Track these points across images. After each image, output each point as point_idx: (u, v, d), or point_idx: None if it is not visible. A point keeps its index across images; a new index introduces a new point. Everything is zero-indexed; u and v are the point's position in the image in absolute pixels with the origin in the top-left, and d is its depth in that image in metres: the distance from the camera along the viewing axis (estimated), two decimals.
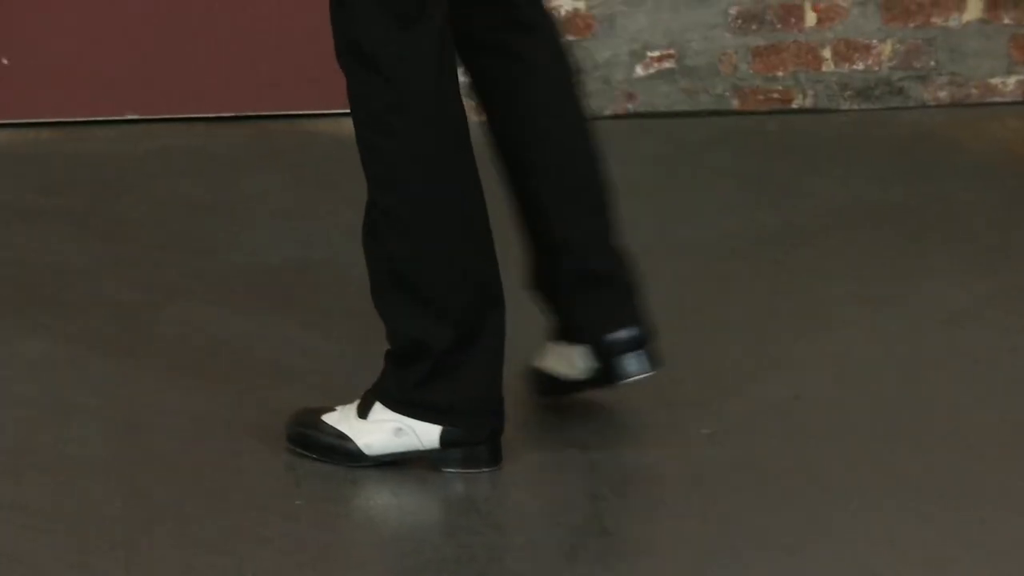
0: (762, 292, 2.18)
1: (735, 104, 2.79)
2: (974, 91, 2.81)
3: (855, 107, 2.89)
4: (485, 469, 1.63)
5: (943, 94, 2.80)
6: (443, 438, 1.58)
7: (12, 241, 2.31)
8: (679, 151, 2.69)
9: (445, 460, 1.60)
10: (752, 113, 2.85)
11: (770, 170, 2.61)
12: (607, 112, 2.64)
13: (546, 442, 1.73)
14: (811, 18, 2.72)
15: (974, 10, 2.73)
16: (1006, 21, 2.78)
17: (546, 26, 1.75)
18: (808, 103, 2.80)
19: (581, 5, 2.65)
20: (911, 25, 2.76)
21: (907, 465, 1.65)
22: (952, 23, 2.76)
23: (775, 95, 2.79)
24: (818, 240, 2.32)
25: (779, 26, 2.72)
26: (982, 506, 1.57)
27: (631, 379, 1.71)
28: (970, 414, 1.79)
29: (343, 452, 1.60)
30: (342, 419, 1.62)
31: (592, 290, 1.70)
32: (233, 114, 2.83)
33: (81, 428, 1.70)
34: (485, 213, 1.63)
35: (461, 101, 1.58)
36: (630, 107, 2.72)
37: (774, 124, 2.79)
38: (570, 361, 1.77)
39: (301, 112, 2.85)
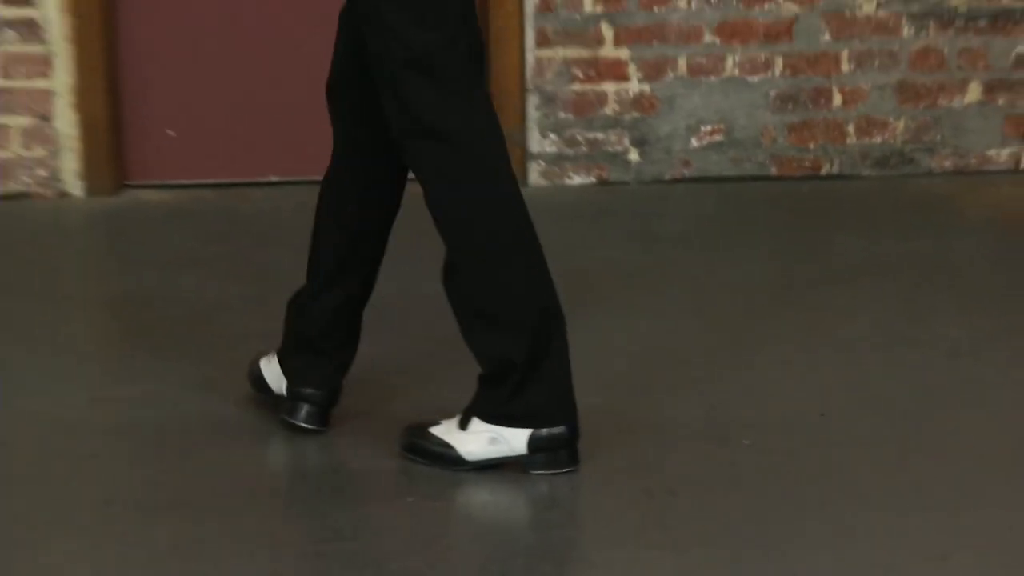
0: (794, 327, 2.39)
1: (773, 171, 3.15)
2: (973, 161, 3.17)
3: (874, 174, 3.24)
4: (565, 470, 1.82)
5: (947, 163, 3.16)
6: (530, 444, 1.77)
7: (179, 282, 2.63)
8: (726, 210, 3.05)
9: (532, 463, 1.79)
10: (787, 178, 3.19)
11: (802, 226, 2.93)
12: (667, 176, 3.06)
13: (612, 451, 1.93)
14: (838, 99, 3.10)
15: (973, 94, 3.08)
16: (1000, 103, 3.14)
17: None
18: (835, 170, 3.16)
19: (647, 88, 3.01)
20: (921, 106, 3.14)
21: (918, 473, 1.86)
22: (955, 104, 3.13)
23: (807, 163, 3.15)
24: (843, 285, 2.57)
25: (811, 106, 3.10)
26: (983, 508, 1.76)
27: None
28: (972, 430, 2.00)
29: (448, 459, 1.79)
30: (446, 431, 1.82)
31: None
32: None
33: (232, 433, 1.95)
34: (538, 242, 1.85)
35: (507, 155, 1.82)
36: (686, 172, 3.09)
37: (806, 188, 3.15)
38: None
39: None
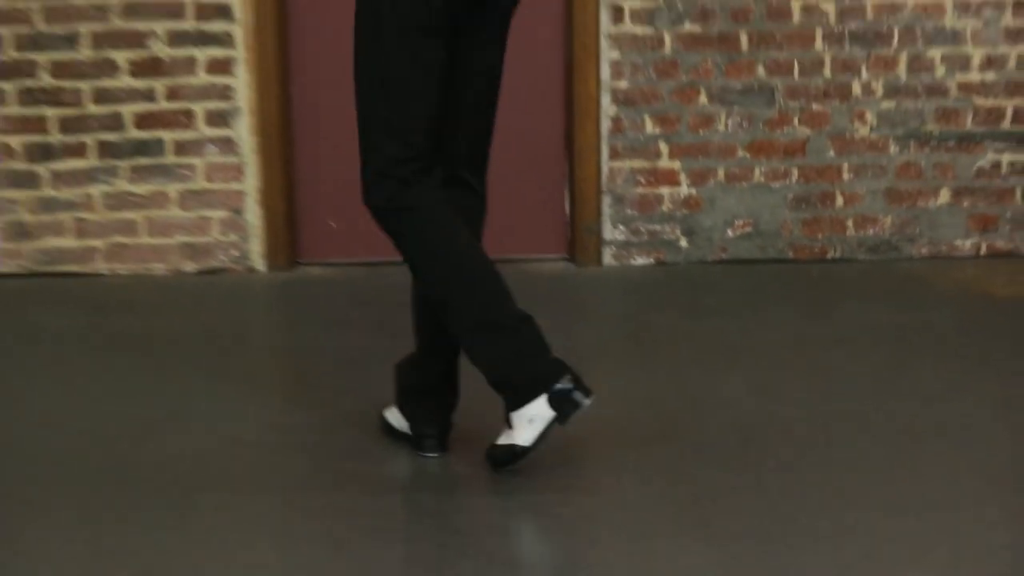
0: (806, 375, 2.81)
1: (791, 255, 3.71)
2: (944, 249, 3.73)
3: (868, 258, 3.77)
4: (588, 400, 2.09)
5: (924, 251, 3.73)
6: (550, 403, 2.06)
7: (336, 337, 3.12)
8: (755, 285, 3.57)
9: (562, 415, 2.07)
10: (802, 261, 3.74)
11: (811, 299, 3.45)
12: (709, 259, 3.66)
13: (658, 464, 2.26)
14: (840, 201, 3.66)
15: (944, 198, 3.67)
16: (964, 205, 3.70)
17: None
18: (837, 255, 3.72)
19: (694, 191, 3.61)
20: (904, 206, 3.71)
21: (901, 485, 2.16)
22: (930, 205, 3.71)
23: (816, 250, 3.71)
24: (844, 344, 3.00)
25: (819, 206, 3.68)
26: (952, 512, 2.06)
27: None
28: (943, 456, 2.33)
29: (518, 453, 2.10)
30: (505, 438, 2.12)
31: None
32: None
33: (355, 442, 2.31)
34: (494, 269, 2.18)
35: (454, 223, 2.16)
36: (724, 256, 3.66)
37: (816, 269, 3.70)
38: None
39: (523, 256, 3.66)
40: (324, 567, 1.89)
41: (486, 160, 2.35)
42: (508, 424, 2.14)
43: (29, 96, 3.41)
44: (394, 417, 2.41)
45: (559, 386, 2.09)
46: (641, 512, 2.15)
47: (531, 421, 2.10)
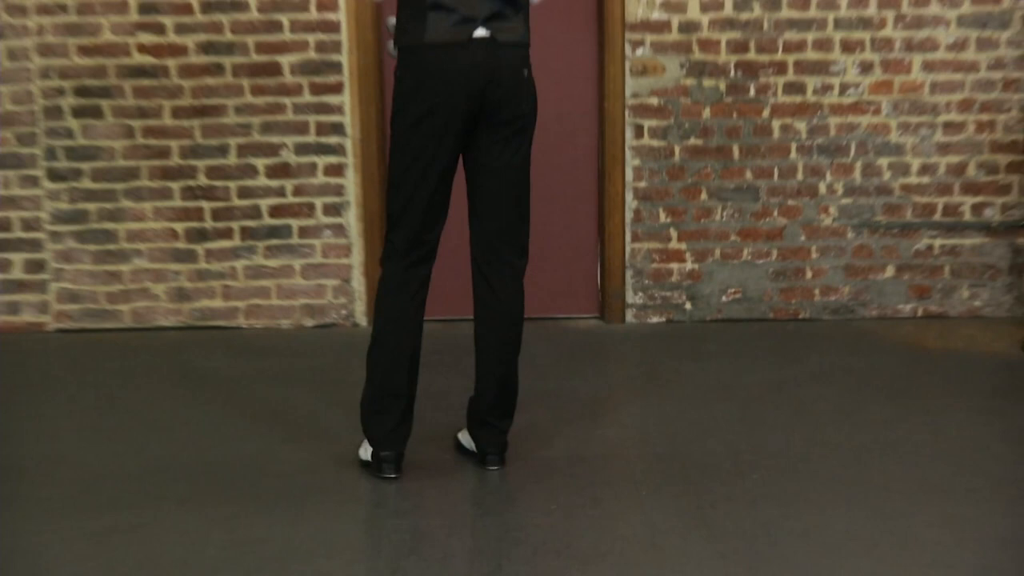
0: (783, 407, 3.23)
1: (771, 316, 4.32)
2: (889, 311, 4.33)
3: (830, 318, 4.34)
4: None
5: (874, 313, 4.33)
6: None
7: (420, 377, 3.41)
8: (741, 339, 4.13)
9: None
10: (780, 320, 4.37)
11: (786, 349, 3.95)
12: (708, 318, 4.30)
13: (671, 480, 2.59)
14: (809, 274, 4.28)
15: (890, 272, 4.28)
16: (905, 278, 4.30)
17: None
18: (807, 316, 4.32)
19: (696, 266, 4.26)
20: (859, 279, 4.30)
21: (858, 495, 2.48)
22: (879, 278, 4.31)
23: (791, 311, 4.32)
24: (812, 384, 3.46)
25: (793, 278, 4.28)
26: (901, 518, 2.36)
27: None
28: (889, 471, 2.65)
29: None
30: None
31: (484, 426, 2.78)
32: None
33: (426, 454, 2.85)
34: (412, 355, 2.68)
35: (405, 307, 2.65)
36: (719, 316, 4.30)
37: (791, 327, 4.31)
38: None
39: (564, 316, 4.38)
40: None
41: (522, 242, 2.75)
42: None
43: (189, 192, 4.23)
44: (465, 438, 2.93)
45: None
46: (654, 513, 2.48)
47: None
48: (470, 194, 2.70)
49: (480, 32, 2.56)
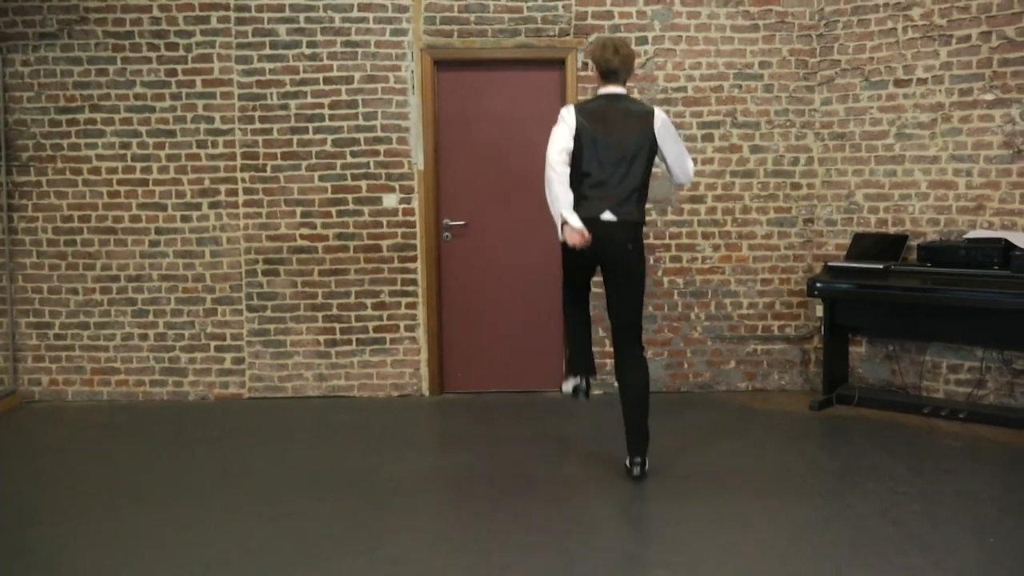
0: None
1: (664, 390, 7.23)
2: (732, 387, 7.46)
3: (699, 391, 7.13)
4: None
5: (723, 388, 7.29)
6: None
7: (457, 425, 6.33)
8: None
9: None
10: (668, 392, 7.17)
11: (671, 410, 6.73)
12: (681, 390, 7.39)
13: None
14: (685, 366, 7.43)
15: (732, 363, 7.38)
16: (741, 367, 7.48)
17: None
18: (685, 390, 7.44)
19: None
20: (714, 367, 7.32)
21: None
22: (726, 367, 7.56)
23: (675, 387, 7.37)
24: (680, 431, 6.27)
25: (676, 368, 7.52)
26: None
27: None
28: (735, 475, 5.67)
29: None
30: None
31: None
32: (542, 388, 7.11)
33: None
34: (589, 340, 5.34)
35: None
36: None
37: (674, 396, 7.24)
38: None
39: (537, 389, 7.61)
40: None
41: (637, 334, 5.09)
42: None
43: (327, 319, 7.15)
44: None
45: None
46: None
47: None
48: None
49: (607, 215, 4.97)
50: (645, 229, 6.97)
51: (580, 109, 5.07)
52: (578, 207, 4.92)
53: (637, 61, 6.95)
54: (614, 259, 4.99)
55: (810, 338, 7.16)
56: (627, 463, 5.15)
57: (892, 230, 6.77)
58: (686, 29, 7.03)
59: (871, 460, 5.43)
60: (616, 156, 4.98)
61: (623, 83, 5.14)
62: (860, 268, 6.49)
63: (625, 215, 4.98)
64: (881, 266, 6.39)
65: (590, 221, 4.90)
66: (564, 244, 4.95)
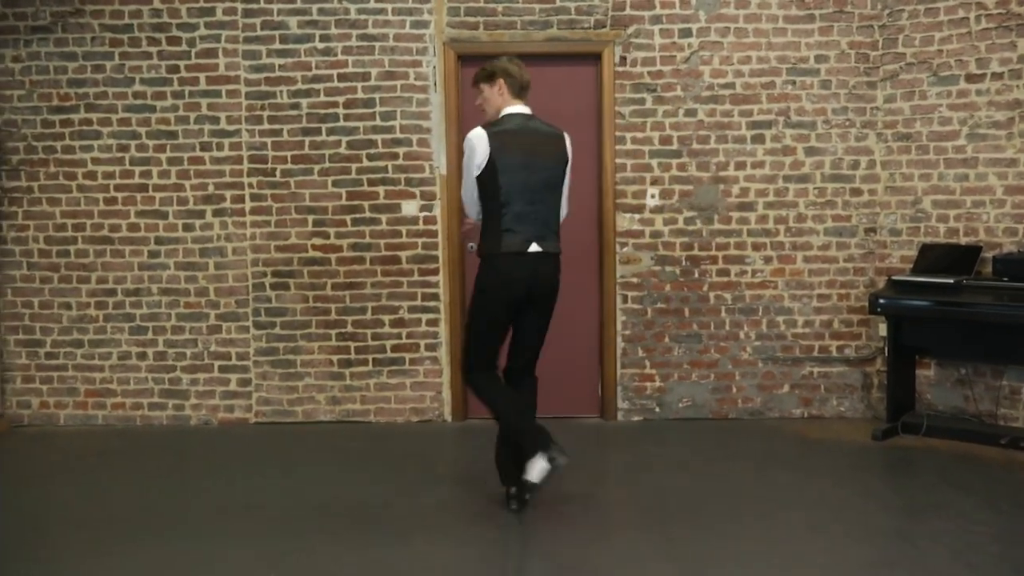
0: (715, 464, 6.06)
1: (710, 416, 7.08)
2: (786, 414, 7.29)
3: (748, 419, 7.02)
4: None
5: (776, 415, 7.11)
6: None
7: (478, 449, 6.17)
8: (691, 431, 6.83)
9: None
10: (715, 419, 7.07)
11: (717, 437, 6.62)
12: (670, 418, 6.97)
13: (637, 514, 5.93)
14: (734, 390, 7.33)
15: (786, 388, 7.35)
16: (796, 392, 7.37)
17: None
18: (734, 416, 7.16)
19: (662, 384, 7.13)
20: (766, 392, 7.22)
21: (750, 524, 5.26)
22: (779, 393, 7.39)
23: (723, 413, 7.10)
24: (734, 459, 6.14)
25: (726, 393, 7.36)
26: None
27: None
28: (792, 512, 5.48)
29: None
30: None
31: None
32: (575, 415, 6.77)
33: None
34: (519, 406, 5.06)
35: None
36: (677, 416, 7.04)
37: (723, 423, 7.16)
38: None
39: (573, 415, 7.13)
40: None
41: (535, 362, 5.16)
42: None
43: (341, 336, 7.08)
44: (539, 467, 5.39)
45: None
46: (621, 535, 5.02)
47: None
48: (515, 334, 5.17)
49: (534, 247, 4.97)
50: (688, 239, 6.94)
51: (493, 133, 5.03)
52: (502, 242, 4.96)
53: (680, 55, 6.90)
54: (543, 293, 5.06)
55: (872, 360, 7.03)
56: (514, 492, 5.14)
57: (964, 240, 6.63)
58: (734, 20, 6.94)
59: (941, 496, 5.31)
60: (539, 182, 5.01)
61: (524, 100, 5.20)
62: (928, 283, 6.36)
63: (552, 247, 5.05)
64: (952, 281, 6.25)
65: (518, 256, 4.95)
66: (484, 289, 5.00)
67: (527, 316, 5.07)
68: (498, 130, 5.01)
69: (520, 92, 5.15)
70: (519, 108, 5.12)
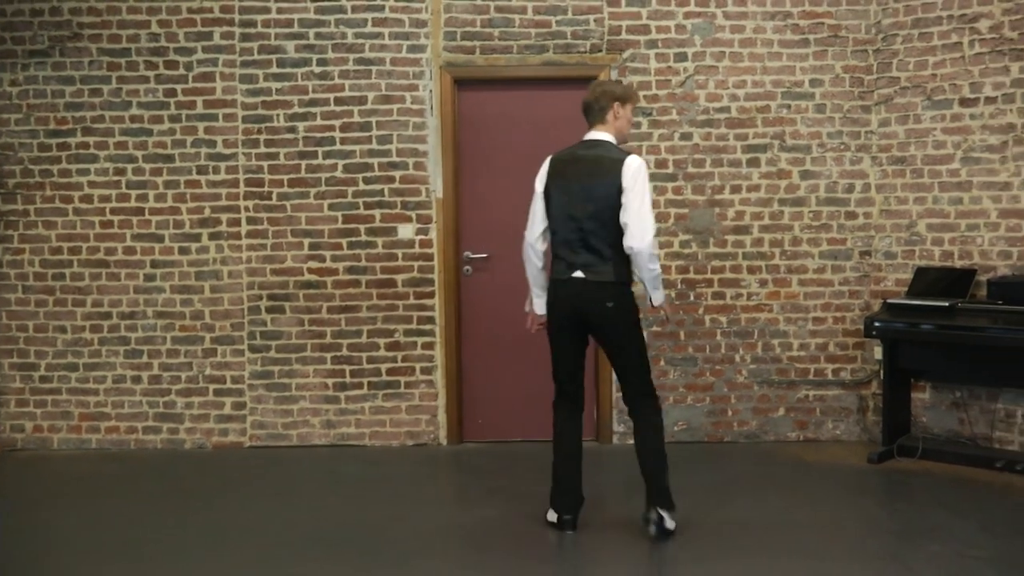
0: (703, 480, 5.99)
1: (706, 439, 7.09)
2: (781, 437, 7.30)
3: (744, 442, 7.09)
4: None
5: (771, 438, 7.17)
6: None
7: (478, 476, 6.34)
8: (687, 454, 6.83)
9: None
10: (711, 443, 7.07)
11: (710, 459, 6.62)
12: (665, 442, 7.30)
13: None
14: (729, 413, 7.32)
15: (781, 412, 7.37)
16: (791, 415, 7.42)
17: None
18: (729, 440, 7.22)
19: None
20: (761, 416, 7.25)
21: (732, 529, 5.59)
22: (775, 415, 7.46)
23: (718, 437, 7.24)
24: (730, 484, 6.13)
25: (720, 416, 7.36)
26: None
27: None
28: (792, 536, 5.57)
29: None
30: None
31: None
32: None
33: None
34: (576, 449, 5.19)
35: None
36: (673, 439, 7.10)
37: (717, 447, 7.07)
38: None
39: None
40: None
41: (639, 386, 5.17)
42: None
43: (336, 360, 7.11)
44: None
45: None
46: (612, 560, 5.08)
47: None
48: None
49: (577, 274, 4.96)
50: (683, 262, 6.97)
51: (554, 160, 5.15)
52: (553, 268, 5.09)
53: (676, 79, 6.94)
54: (598, 322, 4.98)
55: (868, 383, 7.06)
56: (642, 517, 5.15)
57: (959, 264, 6.68)
58: (729, 44, 7.01)
59: (937, 519, 5.33)
60: (582, 209, 4.95)
61: (599, 124, 5.13)
62: (923, 306, 6.39)
63: (597, 275, 4.95)
64: (947, 304, 6.30)
65: (563, 283, 5.01)
66: (547, 313, 5.13)
67: (601, 344, 5.11)
68: (558, 157, 5.13)
69: (587, 116, 5.17)
70: (587, 134, 5.15)
